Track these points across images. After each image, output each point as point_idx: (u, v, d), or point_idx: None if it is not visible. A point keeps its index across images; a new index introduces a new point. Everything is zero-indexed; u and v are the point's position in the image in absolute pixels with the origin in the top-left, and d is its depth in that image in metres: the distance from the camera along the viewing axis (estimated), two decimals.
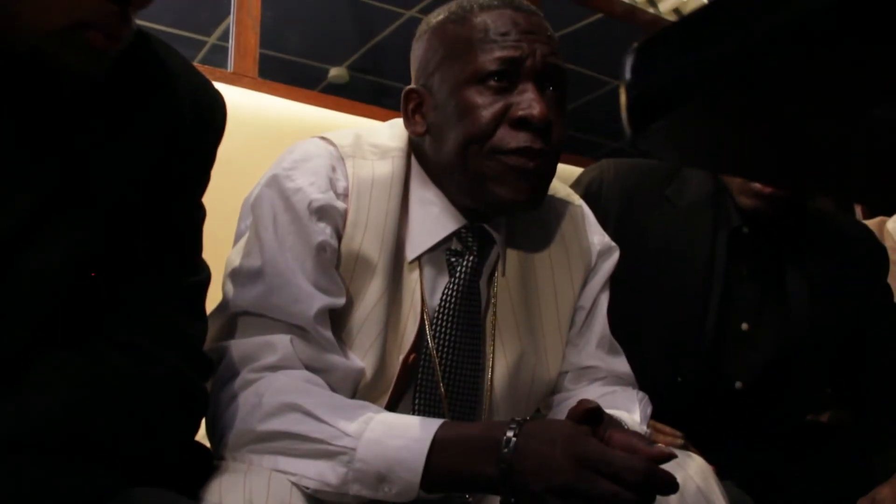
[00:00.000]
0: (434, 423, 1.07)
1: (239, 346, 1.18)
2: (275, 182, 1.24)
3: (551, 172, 1.30)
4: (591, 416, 1.04)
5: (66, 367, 0.92)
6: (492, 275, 1.36)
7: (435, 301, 1.30)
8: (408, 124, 1.35)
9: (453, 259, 1.32)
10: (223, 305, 1.24)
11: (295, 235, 1.20)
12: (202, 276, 1.11)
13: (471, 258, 1.32)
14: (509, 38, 1.24)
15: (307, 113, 2.35)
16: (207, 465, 1.09)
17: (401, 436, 1.06)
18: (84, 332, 0.95)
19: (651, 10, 4.02)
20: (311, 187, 1.22)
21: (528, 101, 1.21)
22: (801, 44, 0.39)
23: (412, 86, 1.35)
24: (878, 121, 0.45)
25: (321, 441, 1.07)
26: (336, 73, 6.35)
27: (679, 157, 0.73)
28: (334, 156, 1.28)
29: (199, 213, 1.11)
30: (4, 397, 0.87)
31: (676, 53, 0.44)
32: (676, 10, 4.10)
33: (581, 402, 1.06)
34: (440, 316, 1.30)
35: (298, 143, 1.32)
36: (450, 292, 1.30)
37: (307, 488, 1.06)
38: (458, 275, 1.31)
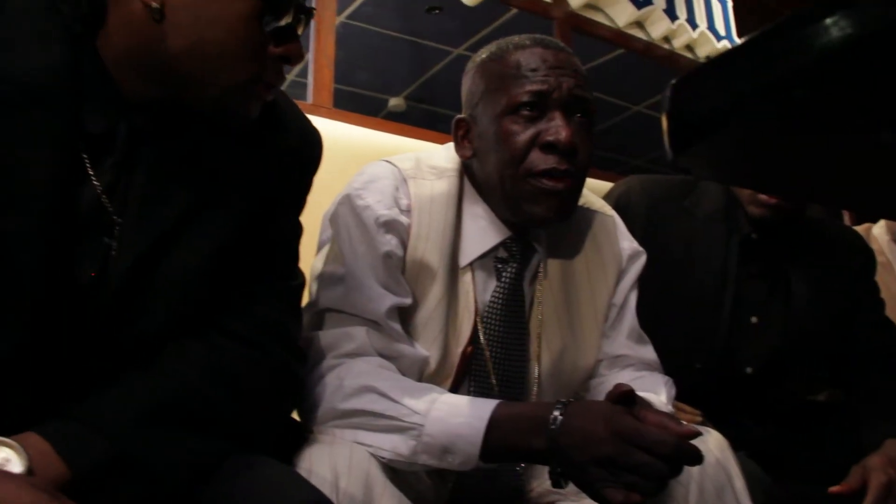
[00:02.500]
0: (491, 403, 1.08)
1: (324, 336, 1.20)
2: (347, 200, 1.25)
3: (578, 190, 1.30)
4: (625, 397, 1.04)
5: (190, 353, 0.95)
6: (534, 278, 1.36)
7: (485, 301, 1.31)
8: (458, 148, 1.36)
9: (500, 265, 1.32)
10: (311, 304, 1.25)
11: (366, 245, 1.22)
12: (299, 280, 1.13)
13: (514, 265, 1.33)
14: (539, 74, 1.24)
15: (374, 137, 2.37)
16: (299, 437, 1.11)
17: (462, 414, 1.08)
18: (204, 324, 0.98)
19: (666, 46, 3.99)
20: (377, 204, 1.23)
21: (556, 128, 1.22)
22: (821, 79, 0.39)
23: (461, 115, 1.36)
24: (885, 143, 0.46)
25: (394, 418, 1.08)
26: (395, 102, 6.37)
27: (713, 175, 0.74)
28: (398, 177, 1.29)
29: (298, 229, 1.13)
30: (142, 376, 0.91)
31: (712, 87, 0.45)
32: (688, 47, 4.06)
33: (617, 385, 1.06)
34: (489, 314, 1.30)
35: (368, 166, 1.33)
36: (497, 294, 1.31)
37: (383, 458, 1.08)
38: (503, 279, 1.32)
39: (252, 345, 0.99)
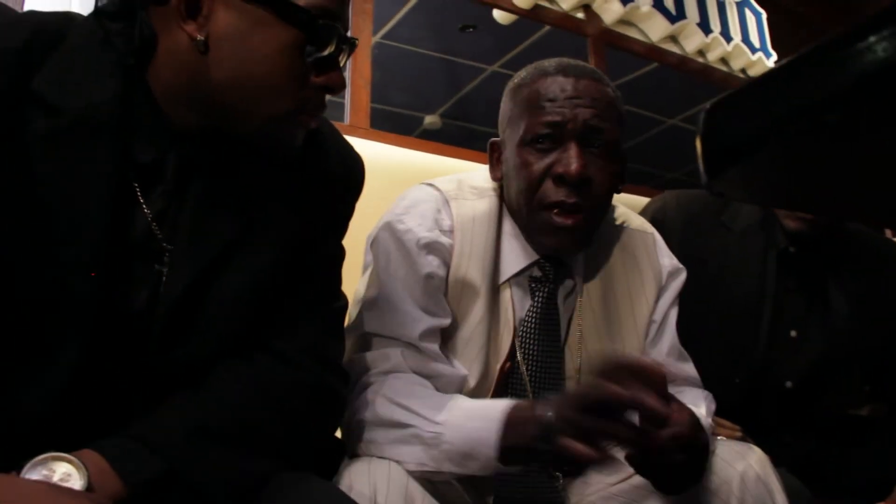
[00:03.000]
0: (502, 405, 1.09)
1: (363, 358, 1.22)
2: (388, 226, 1.28)
3: (591, 223, 1.30)
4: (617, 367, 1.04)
5: (237, 373, 0.97)
6: (571, 296, 1.37)
7: (521, 318, 1.32)
8: (491, 170, 1.39)
9: (534, 285, 1.34)
10: (352, 326, 1.28)
11: (406, 269, 1.24)
12: (341, 302, 1.15)
13: (548, 285, 1.34)
14: (555, 104, 1.25)
15: (411, 157, 2.39)
16: (341, 456, 1.12)
17: (478, 418, 1.09)
18: (251, 346, 1.00)
19: (700, 59, 3.97)
20: (418, 227, 1.26)
21: (567, 160, 1.23)
22: (853, 103, 0.40)
23: (496, 138, 1.38)
24: None
25: (416, 428, 1.10)
26: (430, 120, 6.40)
27: (749, 198, 0.74)
28: (440, 199, 1.32)
29: (341, 253, 1.15)
30: (192, 396, 0.93)
31: (745, 113, 0.45)
32: (723, 60, 4.03)
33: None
34: (525, 332, 1.31)
35: (409, 191, 1.35)
36: (531, 313, 1.32)
37: (413, 471, 1.09)
38: (537, 298, 1.33)
39: (296, 366, 1.01)
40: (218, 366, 0.97)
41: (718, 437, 1.44)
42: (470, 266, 1.27)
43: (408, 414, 1.11)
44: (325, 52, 0.93)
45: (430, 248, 1.25)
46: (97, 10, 0.92)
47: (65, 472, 0.79)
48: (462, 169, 2.42)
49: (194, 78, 0.90)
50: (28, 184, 0.83)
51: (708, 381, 1.45)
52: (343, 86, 0.97)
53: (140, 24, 0.90)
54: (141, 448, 0.86)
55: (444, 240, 1.27)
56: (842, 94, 0.39)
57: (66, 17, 0.93)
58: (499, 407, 1.09)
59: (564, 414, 1.01)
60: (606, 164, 1.27)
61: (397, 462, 1.09)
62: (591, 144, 1.25)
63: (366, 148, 2.11)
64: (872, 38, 0.38)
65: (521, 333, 1.31)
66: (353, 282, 1.32)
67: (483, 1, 3.31)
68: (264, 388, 0.98)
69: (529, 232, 1.30)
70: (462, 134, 6.34)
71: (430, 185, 1.35)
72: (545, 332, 1.32)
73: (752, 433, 1.66)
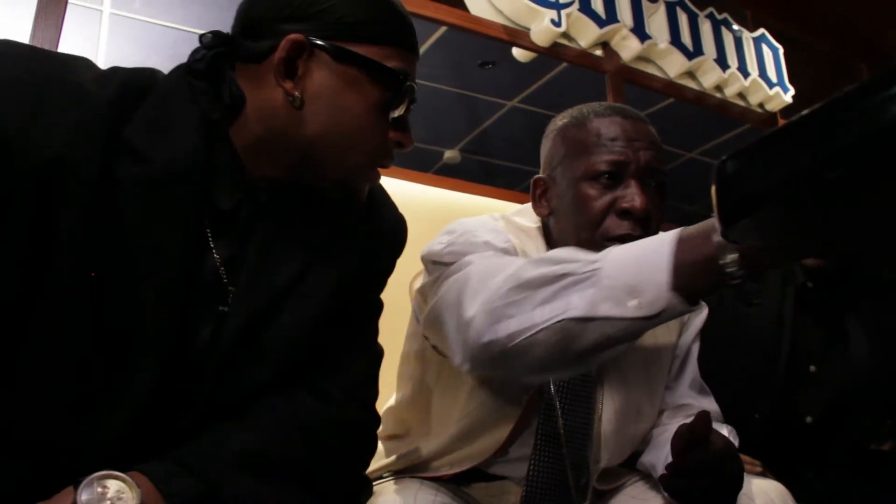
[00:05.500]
0: (667, 234, 0.98)
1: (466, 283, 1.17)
2: (462, 237, 1.27)
3: None
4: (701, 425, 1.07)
5: (279, 408, 1.02)
6: None
7: None
8: (535, 206, 1.42)
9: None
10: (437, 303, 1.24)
11: (493, 256, 1.22)
12: (378, 348, 1.20)
13: None
14: (618, 144, 1.30)
15: (431, 193, 2.43)
16: (369, 493, 1.16)
17: (641, 247, 1.00)
18: (294, 382, 1.05)
19: (718, 94, 4.00)
20: (495, 239, 1.28)
21: (632, 196, 1.26)
22: (855, 160, 0.43)
23: (540, 175, 1.41)
24: None
25: (568, 274, 1.00)
26: (450, 154, 6.44)
27: (762, 245, 0.77)
28: (503, 228, 1.35)
29: (380, 305, 1.21)
30: (235, 427, 0.98)
31: (755, 168, 0.49)
32: (741, 95, 4.07)
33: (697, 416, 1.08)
34: None
35: (463, 220, 1.35)
36: None
37: (548, 330, 0.99)
38: None
39: (336, 405, 1.06)
40: (261, 400, 1.01)
41: None
42: None
43: (557, 266, 1.02)
44: (404, 110, 1.02)
45: (508, 253, 1.27)
46: (185, 68, 1.00)
47: (118, 489, 0.84)
48: (481, 204, 2.46)
49: (286, 132, 0.98)
50: (115, 226, 0.89)
51: (728, 416, 1.46)
52: (412, 143, 1.05)
53: (228, 83, 0.98)
54: (184, 472, 0.90)
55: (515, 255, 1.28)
56: (841, 153, 0.42)
57: (151, 73, 1.00)
58: (662, 236, 0.98)
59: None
60: (660, 203, 1.32)
61: (527, 330, 1.00)
62: (648, 183, 1.30)
63: (389, 185, 2.16)
64: (872, 101, 0.42)
65: None
66: (386, 330, 1.32)
67: (502, 39, 3.36)
68: (302, 423, 1.02)
69: None
70: (481, 168, 6.39)
71: (490, 217, 1.39)
72: None
73: (772, 468, 1.67)
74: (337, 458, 1.05)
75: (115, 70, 0.98)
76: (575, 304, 0.97)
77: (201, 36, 1.00)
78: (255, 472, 0.95)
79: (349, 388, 1.09)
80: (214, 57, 0.99)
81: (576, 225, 1.31)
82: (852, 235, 0.53)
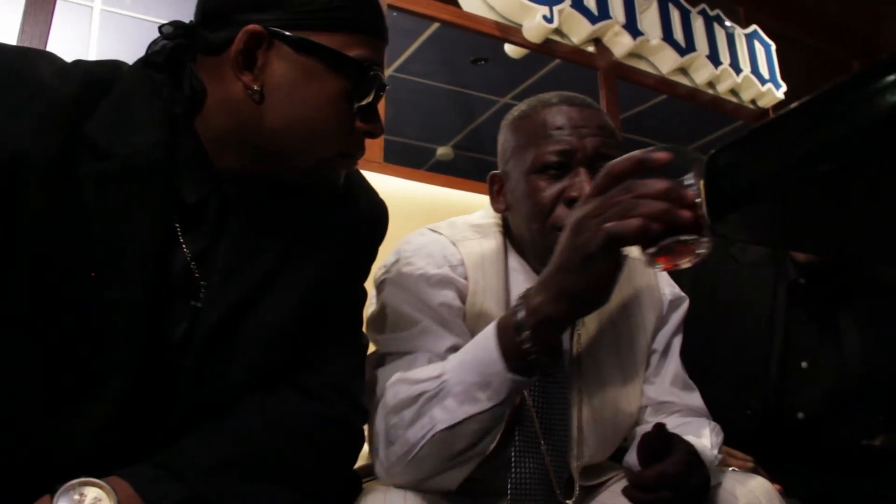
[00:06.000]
0: (489, 328, 1.07)
1: (382, 373, 1.22)
2: (396, 269, 1.29)
3: None
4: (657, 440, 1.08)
5: (262, 407, 1.00)
6: (574, 327, 1.37)
7: None
8: (493, 202, 1.41)
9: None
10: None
11: (419, 300, 1.25)
12: (363, 340, 1.19)
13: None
14: (563, 133, 1.28)
15: (424, 190, 2.42)
16: (358, 488, 1.15)
17: (473, 347, 1.08)
18: (276, 379, 1.03)
19: (710, 91, 4.01)
20: (428, 266, 1.27)
21: (579, 184, 1.25)
22: (844, 155, 0.43)
23: (496, 171, 1.41)
24: None
25: (424, 394, 1.07)
26: (443, 151, 6.45)
27: (751, 239, 0.77)
28: (445, 242, 1.34)
29: (363, 294, 1.19)
30: (218, 427, 0.97)
31: (744, 163, 0.48)
32: (733, 91, 4.08)
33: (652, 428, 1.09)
34: None
35: (411, 236, 1.37)
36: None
37: (440, 433, 1.05)
38: None
39: (320, 400, 1.05)
40: (243, 398, 1.00)
41: (730, 468, 1.45)
42: (486, 300, 1.29)
43: (413, 387, 1.09)
44: (370, 100, 0.99)
45: (443, 282, 1.27)
46: (144, 62, 0.98)
47: (95, 496, 0.83)
48: (474, 201, 2.46)
49: (247, 125, 0.96)
50: (79, 223, 0.88)
51: (719, 412, 1.45)
52: (382, 131, 1.02)
53: (189, 76, 0.96)
54: (166, 475, 0.89)
55: (457, 276, 1.29)
56: (831, 147, 0.42)
57: (114, 66, 0.98)
58: (490, 327, 1.07)
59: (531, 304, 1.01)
60: None
61: (420, 441, 1.06)
62: (598, 170, 1.27)
63: (380, 182, 2.16)
64: (861, 94, 0.41)
65: None
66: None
67: (495, 35, 3.36)
68: (287, 421, 1.01)
69: (542, 255, 1.29)
70: (474, 165, 6.39)
71: (432, 230, 1.38)
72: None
73: (764, 464, 1.67)
74: (324, 455, 1.04)
75: (77, 64, 0.96)
76: (439, 416, 1.05)
77: (161, 26, 0.99)
78: (239, 474, 0.94)
79: (334, 383, 1.07)
80: (175, 48, 0.97)
81: (527, 217, 1.30)
82: (843, 230, 0.53)
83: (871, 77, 0.40)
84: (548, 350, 1.02)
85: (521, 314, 1.01)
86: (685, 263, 0.92)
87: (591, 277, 0.96)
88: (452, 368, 1.07)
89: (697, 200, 0.88)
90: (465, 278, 1.29)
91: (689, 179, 0.89)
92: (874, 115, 0.40)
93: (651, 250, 0.91)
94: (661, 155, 0.92)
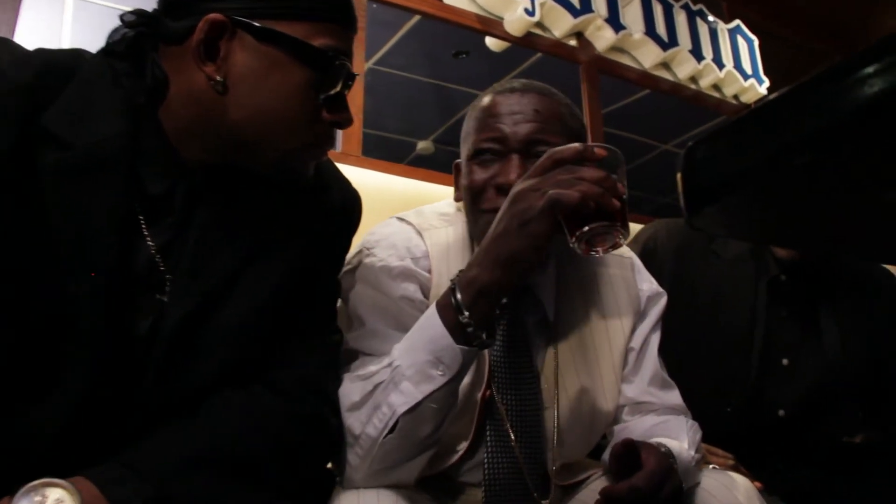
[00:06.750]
0: (430, 308, 1.11)
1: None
2: (358, 260, 1.29)
3: None
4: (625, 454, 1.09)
5: (232, 404, 0.99)
6: (543, 323, 1.36)
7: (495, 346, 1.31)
8: (455, 191, 1.42)
9: (499, 311, 1.33)
10: None
11: (379, 296, 1.24)
12: (338, 335, 1.18)
13: (509, 311, 1.33)
14: (497, 120, 1.29)
15: (402, 184, 2.42)
16: (332, 487, 1.14)
17: (418, 328, 1.10)
18: (247, 375, 1.02)
19: (693, 86, 4.03)
20: (390, 257, 1.27)
21: (506, 171, 1.25)
22: (823, 147, 0.42)
23: (459, 159, 1.41)
24: (888, 203, 0.48)
25: (378, 385, 1.09)
26: (423, 145, 6.44)
27: (728, 233, 0.77)
28: (410, 231, 1.33)
29: (337, 287, 1.19)
30: (186, 425, 0.96)
31: (722, 154, 0.48)
32: (715, 86, 4.09)
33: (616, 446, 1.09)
34: (496, 360, 1.30)
35: (377, 226, 1.37)
36: (499, 340, 1.31)
37: (401, 417, 1.06)
38: (500, 325, 1.32)
39: (292, 397, 1.04)
40: (213, 395, 0.99)
41: (711, 466, 1.45)
42: None
43: (365, 382, 1.11)
44: (337, 90, 0.98)
45: (405, 275, 1.26)
46: (105, 51, 0.97)
47: (57, 497, 0.81)
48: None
49: (211, 116, 0.95)
50: (39, 216, 0.86)
51: (700, 410, 1.45)
52: (350, 122, 1.01)
53: (151, 66, 0.95)
54: (132, 475, 0.87)
55: (419, 269, 1.28)
56: (809, 139, 0.41)
57: (76, 55, 0.97)
58: (430, 308, 1.10)
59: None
60: None
61: (383, 428, 1.07)
62: (535, 156, 1.23)
63: (357, 176, 2.15)
64: (839, 86, 0.41)
65: (493, 362, 1.30)
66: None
67: (476, 28, 3.36)
68: (258, 418, 1.00)
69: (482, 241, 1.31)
70: (455, 159, 6.38)
71: (399, 218, 1.38)
72: (514, 360, 1.31)
73: (745, 462, 1.68)
74: (296, 454, 1.03)
75: (38, 52, 0.95)
76: (398, 401, 1.07)
77: (122, 15, 0.97)
78: (208, 473, 0.93)
79: (306, 379, 1.07)
80: (136, 37, 0.96)
81: (468, 203, 1.31)
82: (822, 224, 0.53)
83: (850, 68, 0.40)
84: (486, 322, 1.07)
85: (457, 288, 1.06)
86: (603, 251, 1.05)
87: (527, 239, 1.03)
88: (401, 354, 1.09)
89: (624, 196, 1.03)
90: (429, 271, 1.29)
91: (617, 178, 1.04)
92: (852, 106, 0.40)
93: (579, 232, 1.01)
94: (600, 150, 1.05)
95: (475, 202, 1.29)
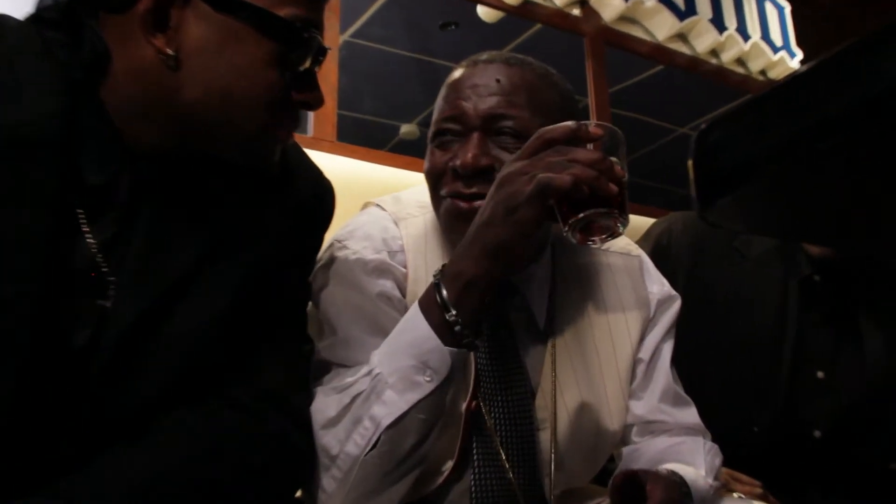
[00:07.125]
0: (412, 308, 1.13)
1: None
2: (330, 253, 1.29)
3: None
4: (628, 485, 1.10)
5: (185, 424, 0.99)
6: (539, 330, 1.36)
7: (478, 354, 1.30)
8: None
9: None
10: None
11: (353, 293, 1.24)
12: (308, 346, 1.18)
13: (491, 309, 1.29)
14: (458, 95, 1.28)
15: (381, 172, 2.41)
16: None
17: (399, 330, 1.12)
18: (203, 392, 1.01)
19: (713, 60, 4.03)
20: (364, 250, 1.27)
21: (461, 152, 1.24)
22: (846, 130, 0.42)
23: None
24: None
25: (359, 396, 1.09)
26: (407, 129, 6.45)
27: (744, 227, 0.77)
28: (387, 220, 1.34)
29: (307, 290, 1.19)
30: (133, 450, 0.94)
31: (738, 138, 0.48)
32: (739, 61, 4.10)
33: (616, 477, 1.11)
34: (482, 368, 1.29)
35: (354, 217, 1.38)
36: (484, 342, 1.30)
37: (385, 431, 1.07)
38: (485, 329, 1.29)
39: (254, 416, 1.03)
40: (163, 415, 0.98)
41: (735, 495, 1.45)
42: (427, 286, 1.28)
43: (342, 394, 1.12)
44: (306, 66, 0.97)
45: (380, 270, 1.26)
46: (34, 17, 0.95)
47: None
48: None
49: (161, 96, 0.94)
50: None
51: (721, 430, 1.45)
52: (322, 103, 1.01)
53: (90, 36, 0.93)
54: None
55: (396, 262, 1.29)
56: (834, 119, 0.41)
57: None
58: (413, 307, 1.13)
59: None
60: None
61: (367, 442, 1.08)
62: (499, 133, 1.26)
63: (332, 163, 2.14)
64: (875, 58, 0.41)
65: (479, 369, 1.29)
66: None
67: None
68: (215, 440, 0.99)
69: (446, 231, 1.32)
70: None
71: (377, 205, 1.38)
72: (501, 365, 1.31)
73: (774, 490, 1.67)
74: (258, 480, 1.03)
75: None
76: (381, 413, 1.08)
77: None
78: (157, 502, 0.92)
79: (272, 394, 1.06)
80: (71, 3, 0.94)
81: (430, 190, 1.31)
82: (852, 218, 0.53)
83: (880, 41, 0.39)
84: (474, 319, 1.09)
85: (441, 284, 1.08)
86: (600, 241, 1.05)
87: (515, 226, 1.05)
88: (382, 360, 1.10)
89: (624, 180, 1.03)
90: (405, 266, 1.29)
91: (616, 160, 1.05)
92: (888, 81, 0.39)
93: (572, 220, 1.02)
94: (595, 129, 1.06)
95: (435, 188, 1.29)
